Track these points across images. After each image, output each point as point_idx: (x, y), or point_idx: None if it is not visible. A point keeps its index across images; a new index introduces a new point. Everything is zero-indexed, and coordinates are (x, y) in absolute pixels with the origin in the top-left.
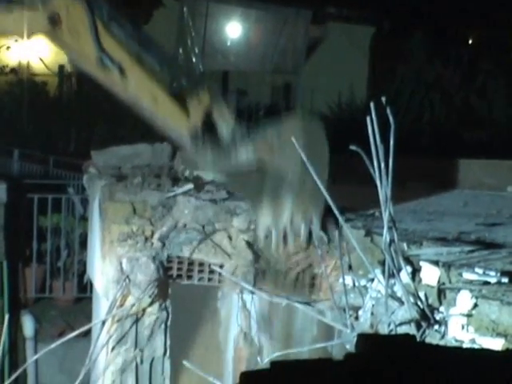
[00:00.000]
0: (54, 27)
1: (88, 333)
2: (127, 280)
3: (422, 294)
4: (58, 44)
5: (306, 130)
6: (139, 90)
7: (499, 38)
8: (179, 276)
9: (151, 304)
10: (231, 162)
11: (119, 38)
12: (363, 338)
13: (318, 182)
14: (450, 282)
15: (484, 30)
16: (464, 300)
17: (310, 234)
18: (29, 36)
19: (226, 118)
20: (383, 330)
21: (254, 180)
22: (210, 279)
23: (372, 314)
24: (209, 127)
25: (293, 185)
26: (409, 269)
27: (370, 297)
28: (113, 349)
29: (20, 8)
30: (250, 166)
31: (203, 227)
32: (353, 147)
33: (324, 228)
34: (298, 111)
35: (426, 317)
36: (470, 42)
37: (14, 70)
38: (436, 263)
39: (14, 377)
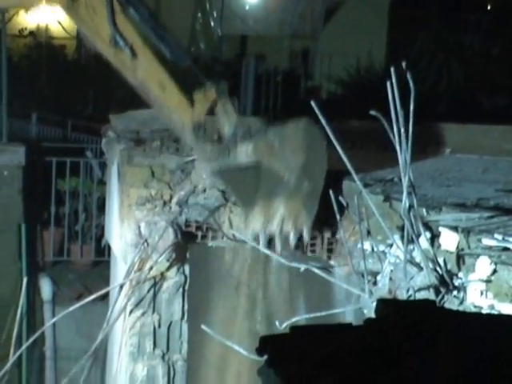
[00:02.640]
0: (71, 1)
1: (106, 296)
2: (145, 244)
3: (440, 260)
4: (73, 18)
5: (308, 137)
6: (148, 74)
7: None
8: (197, 240)
9: (169, 268)
10: (229, 159)
11: (134, 20)
12: (383, 304)
13: (314, 188)
14: (469, 247)
15: None
16: (483, 266)
17: (299, 239)
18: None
19: (230, 115)
20: (402, 295)
21: (248, 180)
22: (227, 243)
23: (390, 279)
24: (212, 122)
25: (287, 189)
26: (428, 234)
27: (388, 262)
28: (131, 312)
29: None
30: (247, 164)
31: (222, 192)
32: (372, 112)
33: (340, 193)
34: (304, 119)
35: (444, 283)
36: (489, 7)
37: (32, 33)
38: (455, 229)
39: (31, 340)
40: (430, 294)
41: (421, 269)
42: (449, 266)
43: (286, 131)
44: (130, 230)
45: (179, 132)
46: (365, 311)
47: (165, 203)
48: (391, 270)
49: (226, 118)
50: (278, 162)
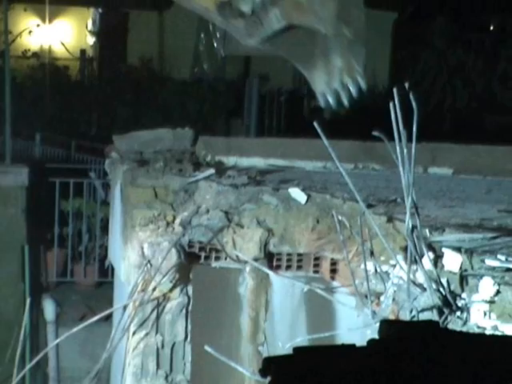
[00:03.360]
0: None
1: (109, 317)
2: (148, 265)
3: (444, 281)
4: None
5: None
6: None
7: None
8: (201, 261)
9: (172, 289)
10: (264, 29)
11: None
12: (386, 324)
13: (357, 33)
14: (473, 268)
15: (505, 16)
16: (486, 287)
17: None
18: None
19: None
20: (405, 316)
21: (302, 41)
22: (230, 264)
23: (394, 300)
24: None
25: (334, 42)
26: (431, 255)
27: (391, 283)
28: (134, 333)
29: None
30: (282, 30)
31: (225, 213)
32: (375, 133)
33: None
34: None
35: (448, 303)
36: (492, 27)
37: (35, 54)
38: (458, 250)
39: (35, 361)
40: (433, 315)
41: (424, 289)
42: (452, 287)
43: None
44: (133, 251)
45: (207, 17)
46: (368, 332)
47: (168, 224)
48: (394, 291)
49: None
50: (310, 17)
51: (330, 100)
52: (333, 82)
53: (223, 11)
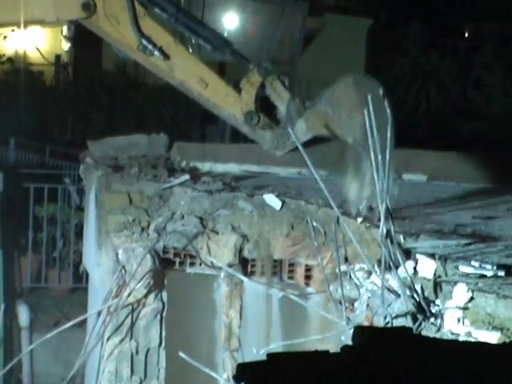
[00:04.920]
0: (88, 14)
1: (83, 323)
2: (123, 271)
3: (418, 287)
4: (95, 31)
5: (360, 91)
6: (186, 73)
7: (495, 30)
8: (175, 267)
9: (147, 295)
10: (290, 140)
11: (161, 20)
12: (360, 331)
13: (385, 142)
14: (447, 274)
15: (480, 23)
16: (460, 293)
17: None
18: (60, 24)
19: (281, 93)
20: (379, 322)
21: (333, 152)
22: (205, 270)
23: (368, 306)
24: (262, 106)
25: (360, 150)
26: (405, 261)
27: (366, 289)
28: (108, 339)
29: None
30: (306, 138)
31: (200, 218)
32: (349, 139)
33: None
34: (349, 75)
35: (422, 309)
36: (466, 34)
37: (10, 60)
38: (432, 256)
39: (8, 366)
40: (407, 321)
41: (398, 296)
42: (426, 293)
43: (335, 94)
44: (107, 257)
45: (234, 124)
46: (342, 338)
47: (143, 230)
48: (368, 297)
49: (277, 97)
50: (337, 128)
51: (362, 209)
52: (364, 190)
53: (250, 121)
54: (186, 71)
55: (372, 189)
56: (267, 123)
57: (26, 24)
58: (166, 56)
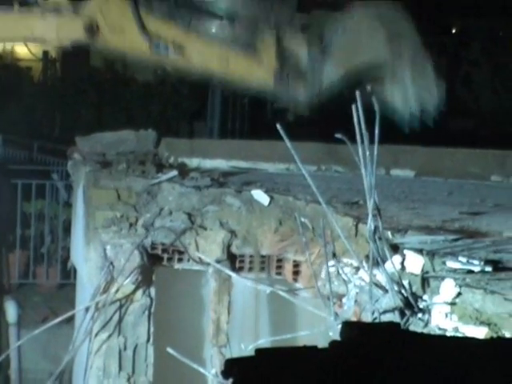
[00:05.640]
0: (91, 35)
1: (71, 319)
2: (111, 266)
3: (405, 283)
4: (103, 50)
5: (381, 16)
6: (203, 55)
7: (483, 27)
8: (163, 263)
9: (135, 291)
10: (324, 83)
11: (165, 16)
12: (348, 326)
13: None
14: (434, 270)
15: (468, 19)
16: (448, 288)
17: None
18: (62, 44)
19: (299, 44)
20: (367, 317)
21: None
22: (193, 266)
23: (356, 301)
24: (285, 64)
25: (398, 66)
26: (393, 257)
27: (353, 285)
28: (96, 335)
29: (54, 15)
30: (339, 75)
31: (188, 214)
32: (338, 135)
33: None
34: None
35: (409, 305)
36: (454, 30)
37: None
38: (420, 251)
39: None
40: (395, 317)
41: (386, 291)
42: (414, 289)
43: (349, 24)
44: (95, 253)
45: (264, 92)
46: (330, 334)
47: (131, 226)
48: (356, 293)
49: (296, 46)
50: (364, 54)
51: (407, 117)
52: (409, 101)
53: (279, 81)
54: (204, 55)
55: (417, 89)
56: (297, 72)
57: (28, 41)
58: (179, 48)
